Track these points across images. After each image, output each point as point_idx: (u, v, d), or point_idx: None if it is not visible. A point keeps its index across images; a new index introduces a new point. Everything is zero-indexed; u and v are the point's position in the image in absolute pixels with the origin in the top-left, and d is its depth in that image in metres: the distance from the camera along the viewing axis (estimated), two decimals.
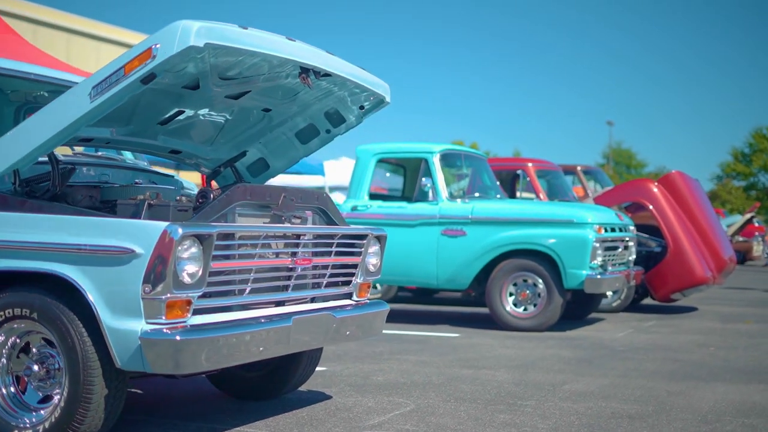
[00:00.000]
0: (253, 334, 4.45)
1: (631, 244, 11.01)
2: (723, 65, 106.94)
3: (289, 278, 4.95)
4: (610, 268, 10.18)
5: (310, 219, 5.32)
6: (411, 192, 11.18)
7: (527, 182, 13.13)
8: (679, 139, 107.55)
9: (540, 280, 9.99)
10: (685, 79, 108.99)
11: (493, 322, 10.21)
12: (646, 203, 12.32)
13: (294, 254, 4.95)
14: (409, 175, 11.71)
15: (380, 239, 5.75)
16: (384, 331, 10.17)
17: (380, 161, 10.98)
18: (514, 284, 10.11)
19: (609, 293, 12.35)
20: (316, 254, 5.22)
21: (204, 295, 4.33)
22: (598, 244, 9.86)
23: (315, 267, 5.24)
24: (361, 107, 5.83)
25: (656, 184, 12.44)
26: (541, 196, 13.03)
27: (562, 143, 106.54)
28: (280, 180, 20.61)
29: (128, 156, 6.27)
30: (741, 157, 67.94)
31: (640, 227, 12.62)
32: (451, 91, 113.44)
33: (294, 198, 5.05)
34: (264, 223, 4.92)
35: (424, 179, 10.38)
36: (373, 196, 11.05)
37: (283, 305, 5.00)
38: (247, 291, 4.64)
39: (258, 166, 6.12)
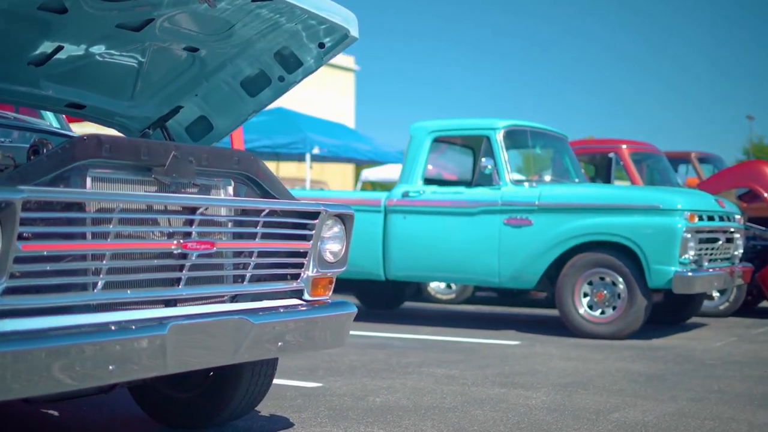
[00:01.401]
0: (84, 348, 3.08)
1: (737, 236, 9.24)
2: None
3: (180, 268, 3.57)
4: (706, 263, 8.45)
5: (228, 190, 3.94)
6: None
7: (621, 167, 11.44)
8: None
9: (620, 278, 8.35)
10: None
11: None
12: (760, 189, 10.49)
13: (187, 235, 3.56)
14: (474, 157, 10.19)
15: (344, 219, 4.32)
16: (428, 337, 8.84)
17: (436, 140, 9.49)
18: (590, 283, 8.50)
19: (715, 294, 10.58)
20: (238, 237, 3.84)
21: (12, 291, 2.98)
22: (689, 235, 8.17)
23: (237, 254, 3.86)
24: (321, 45, 4.43)
25: None
26: (638, 182, 11.32)
27: (700, 138, 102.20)
28: (377, 172, 19.13)
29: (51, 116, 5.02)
30: None
31: (756, 219, 10.85)
32: (583, 84, 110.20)
33: (193, 159, 3.66)
34: (147, 192, 3.56)
35: (484, 160, 8.87)
36: (432, 182, 9.57)
37: (176, 306, 3.63)
38: (99, 286, 3.28)
39: (200, 127, 4.79)
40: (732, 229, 9.11)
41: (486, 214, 8.83)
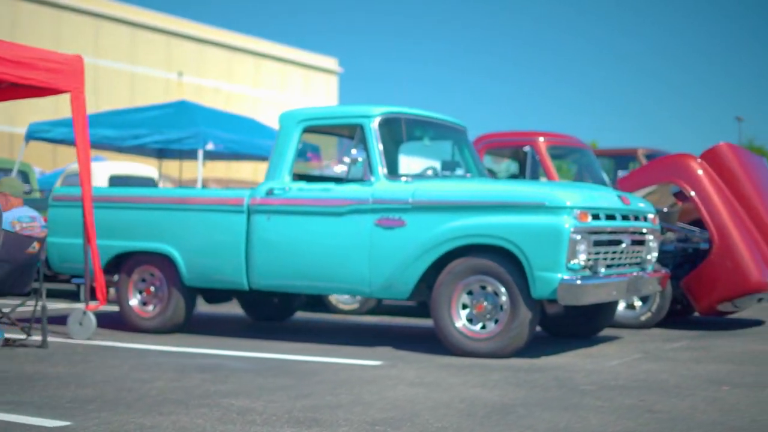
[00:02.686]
0: None
1: (649, 237, 8.12)
2: None
3: None
4: (602, 270, 7.32)
5: None
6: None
7: (537, 162, 10.32)
8: None
9: (502, 288, 7.22)
10: None
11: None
12: (684, 185, 9.36)
13: None
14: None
15: None
16: (276, 356, 7.45)
17: (306, 130, 8.37)
18: (469, 293, 7.37)
19: (637, 303, 9.46)
20: None
21: None
22: (579, 237, 7.03)
23: None
24: None
25: (698, 160, 9.46)
26: (554, 178, 10.19)
27: (689, 141, 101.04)
28: None
29: None
30: None
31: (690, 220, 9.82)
32: (573, 88, 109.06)
33: None
34: None
35: (354, 151, 7.75)
36: (303, 177, 8.48)
37: None
38: None
39: None
40: (643, 230, 7.99)
41: (356, 213, 7.71)
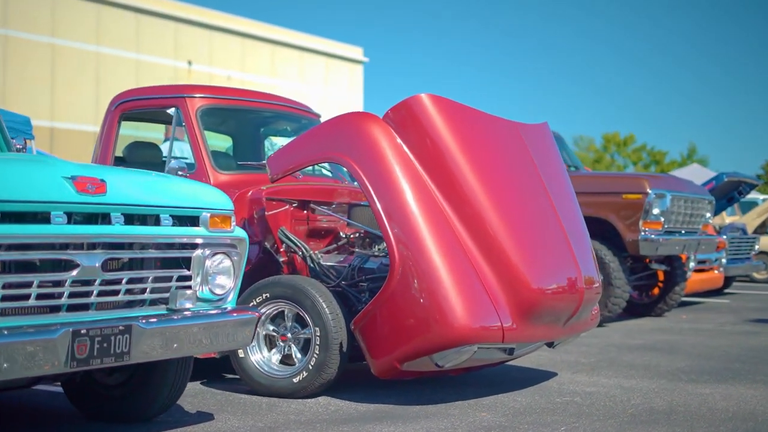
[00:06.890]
0: None
1: (202, 252, 4.52)
2: None
3: None
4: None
5: None
6: None
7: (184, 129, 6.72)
8: None
9: None
10: None
11: None
12: (349, 163, 5.65)
13: None
14: None
15: None
16: None
17: None
18: None
19: (296, 357, 5.83)
20: None
21: None
22: None
23: None
24: None
25: (380, 119, 5.76)
26: (198, 150, 6.52)
27: (746, 141, 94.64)
28: None
29: None
30: None
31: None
32: (626, 85, 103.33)
33: None
34: None
35: None
36: None
37: None
38: None
39: None
40: (196, 242, 4.39)
41: None
